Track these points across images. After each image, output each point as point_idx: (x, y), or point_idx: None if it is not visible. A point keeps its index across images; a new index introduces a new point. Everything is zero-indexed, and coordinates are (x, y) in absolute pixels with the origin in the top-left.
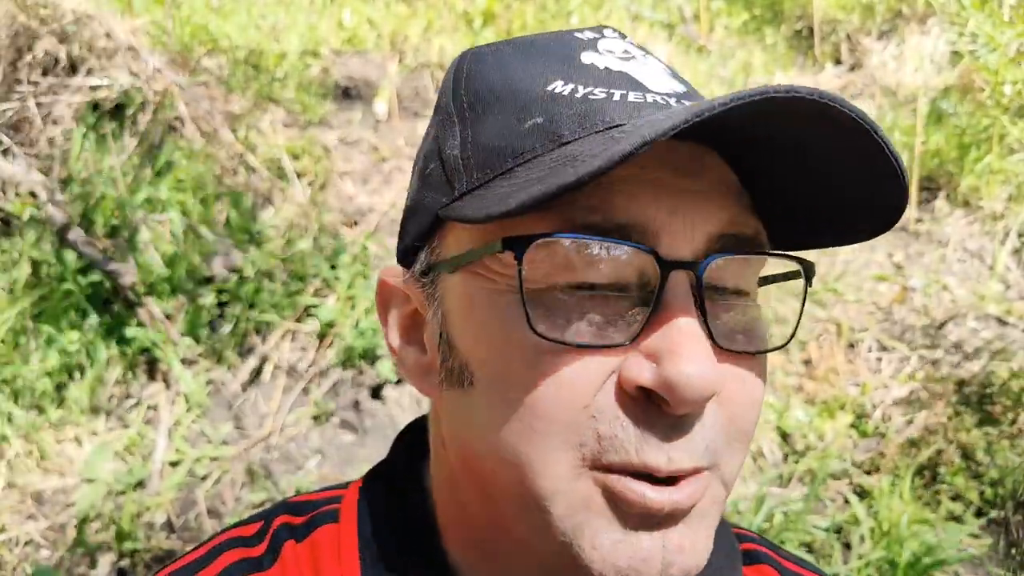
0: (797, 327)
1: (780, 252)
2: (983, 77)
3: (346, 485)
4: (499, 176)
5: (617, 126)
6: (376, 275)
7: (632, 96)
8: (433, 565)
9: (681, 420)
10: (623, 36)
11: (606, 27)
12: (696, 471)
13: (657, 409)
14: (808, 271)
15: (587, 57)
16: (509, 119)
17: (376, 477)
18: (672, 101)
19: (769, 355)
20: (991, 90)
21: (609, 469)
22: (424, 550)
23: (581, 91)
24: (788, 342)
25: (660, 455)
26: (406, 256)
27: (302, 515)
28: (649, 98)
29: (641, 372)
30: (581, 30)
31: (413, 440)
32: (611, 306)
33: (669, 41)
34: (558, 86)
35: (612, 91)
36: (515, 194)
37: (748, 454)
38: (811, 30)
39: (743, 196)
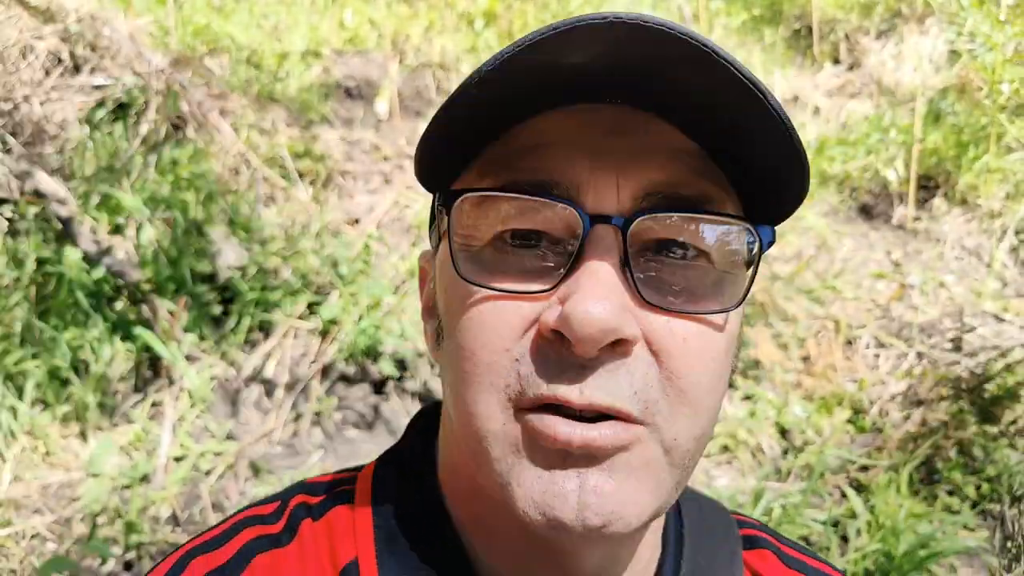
0: (746, 293)
1: (724, 214)
2: (981, 76)
3: (360, 468)
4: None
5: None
6: (379, 272)
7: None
8: (444, 541)
9: (596, 361)
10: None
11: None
12: (622, 416)
13: (567, 350)
14: (761, 236)
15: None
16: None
17: (389, 459)
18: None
19: (768, 352)
20: (989, 89)
21: (530, 408)
22: (435, 528)
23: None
24: (735, 306)
25: (572, 389)
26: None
27: (318, 495)
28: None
29: (551, 315)
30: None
31: (426, 424)
32: (539, 259)
33: None
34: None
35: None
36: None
37: (706, 430)
38: (810, 30)
39: (694, 160)
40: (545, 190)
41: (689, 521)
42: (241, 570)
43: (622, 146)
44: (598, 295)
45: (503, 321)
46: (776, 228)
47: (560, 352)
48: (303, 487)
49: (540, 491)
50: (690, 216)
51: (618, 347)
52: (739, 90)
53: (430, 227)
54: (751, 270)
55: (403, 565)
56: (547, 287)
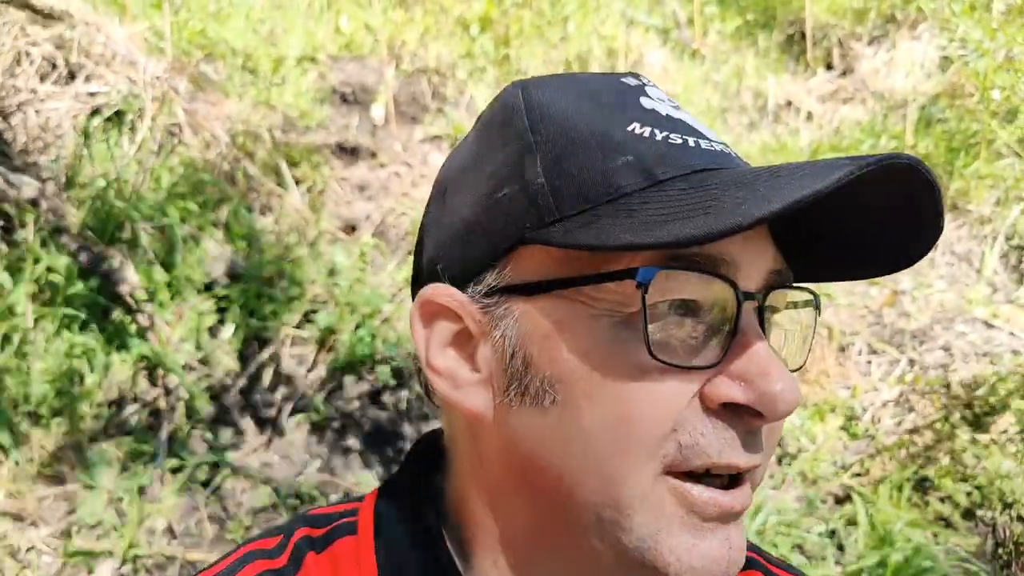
0: (809, 351)
1: (802, 286)
2: (972, 83)
3: (361, 498)
4: (599, 207)
5: (704, 170)
6: (375, 280)
7: (703, 144)
8: (453, 572)
9: (756, 429)
10: (655, 85)
11: (640, 74)
12: (755, 470)
13: (736, 421)
14: (818, 302)
15: (647, 103)
16: (595, 154)
17: (391, 490)
18: (727, 149)
19: None
20: (980, 95)
21: (688, 475)
22: (439, 563)
23: (659, 135)
24: (803, 365)
25: (740, 457)
26: (462, 278)
27: (321, 527)
28: (714, 146)
29: (732, 391)
30: (623, 75)
31: (425, 455)
32: (694, 331)
33: (663, 46)
34: (636, 128)
35: (685, 137)
36: (658, 227)
37: None
38: (803, 35)
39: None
40: (715, 266)
41: None
42: None
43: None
44: (786, 374)
45: (675, 395)
46: None
47: (729, 422)
48: (305, 520)
49: (699, 557)
50: (788, 289)
51: None
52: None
53: (465, 264)
54: (813, 328)
55: None
56: (715, 361)
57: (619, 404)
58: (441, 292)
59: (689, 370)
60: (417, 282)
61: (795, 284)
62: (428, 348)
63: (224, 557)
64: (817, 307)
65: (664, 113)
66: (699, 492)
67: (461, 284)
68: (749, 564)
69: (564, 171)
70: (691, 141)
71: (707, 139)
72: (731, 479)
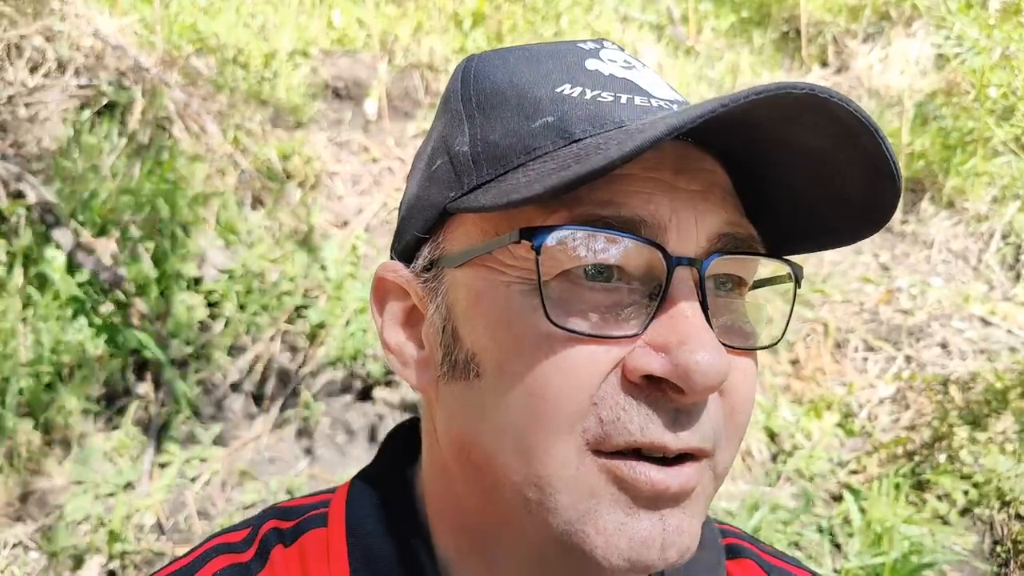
0: (787, 328)
1: (774, 255)
2: (968, 80)
3: (334, 489)
4: (511, 171)
5: (624, 126)
6: (367, 275)
7: (638, 100)
8: (423, 565)
9: (687, 407)
10: (622, 49)
11: (605, 39)
12: (700, 454)
13: (661, 397)
14: (797, 274)
15: (592, 64)
16: (519, 118)
17: (363, 480)
18: (675, 107)
19: (757, 355)
20: (976, 93)
21: (613, 453)
22: (413, 551)
23: (589, 94)
24: (778, 342)
25: (667, 435)
26: (406, 252)
27: (290, 520)
28: (654, 103)
29: (650, 362)
30: (583, 41)
31: (401, 441)
32: (616, 298)
33: (658, 43)
34: (566, 88)
35: (619, 95)
36: (539, 181)
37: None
38: (798, 32)
39: (736, 199)
40: (634, 228)
41: None
42: None
43: (692, 185)
44: (709, 345)
45: (588, 365)
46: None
47: (652, 397)
48: (275, 512)
49: (627, 538)
50: (749, 257)
51: None
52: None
53: (407, 239)
54: (791, 303)
55: None
56: (633, 331)
57: (530, 377)
58: (389, 269)
59: (603, 340)
60: None
61: (762, 253)
62: (383, 326)
63: (190, 551)
64: (796, 281)
65: (608, 73)
66: (629, 468)
67: (407, 260)
68: (741, 553)
69: (486, 138)
70: (624, 98)
71: (649, 96)
72: (672, 458)
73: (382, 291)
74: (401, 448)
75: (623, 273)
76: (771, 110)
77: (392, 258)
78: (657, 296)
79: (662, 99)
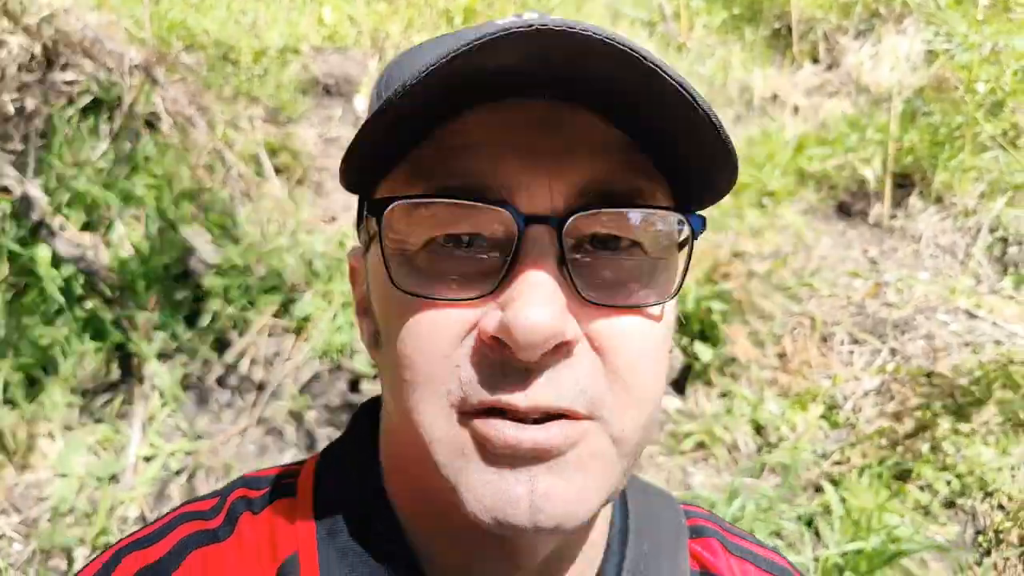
0: (681, 283)
1: (655, 206)
2: (957, 76)
3: (304, 462)
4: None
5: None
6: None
7: (501, 21)
8: (386, 534)
9: (540, 364)
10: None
11: (538, 11)
12: (571, 415)
13: (510, 356)
14: (693, 225)
15: (503, 22)
16: (394, 87)
17: (333, 452)
18: (538, 21)
19: (744, 349)
20: (965, 88)
21: (475, 413)
22: (378, 521)
23: (449, 44)
24: (671, 298)
25: (516, 395)
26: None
27: (259, 489)
28: (511, 24)
29: (490, 321)
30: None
31: (369, 416)
32: (475, 264)
33: (649, 39)
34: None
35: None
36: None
37: (652, 418)
38: (789, 29)
39: (624, 152)
40: (478, 194)
41: (635, 511)
42: (176, 566)
43: (552, 143)
44: (537, 300)
45: (441, 329)
46: (754, 226)
47: (502, 357)
48: (244, 481)
49: (491, 496)
50: (622, 211)
51: (561, 348)
52: (665, 91)
53: (358, 227)
54: (685, 259)
55: (344, 558)
56: (484, 292)
57: (399, 343)
58: (351, 252)
59: (458, 303)
60: None
61: (642, 205)
62: (356, 307)
63: (159, 518)
64: (694, 232)
65: (502, 22)
66: (487, 426)
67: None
68: (704, 532)
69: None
70: (472, 34)
71: (526, 21)
72: (540, 419)
73: (352, 275)
74: (369, 422)
75: (483, 239)
76: (558, 53)
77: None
78: (509, 257)
79: (533, 21)
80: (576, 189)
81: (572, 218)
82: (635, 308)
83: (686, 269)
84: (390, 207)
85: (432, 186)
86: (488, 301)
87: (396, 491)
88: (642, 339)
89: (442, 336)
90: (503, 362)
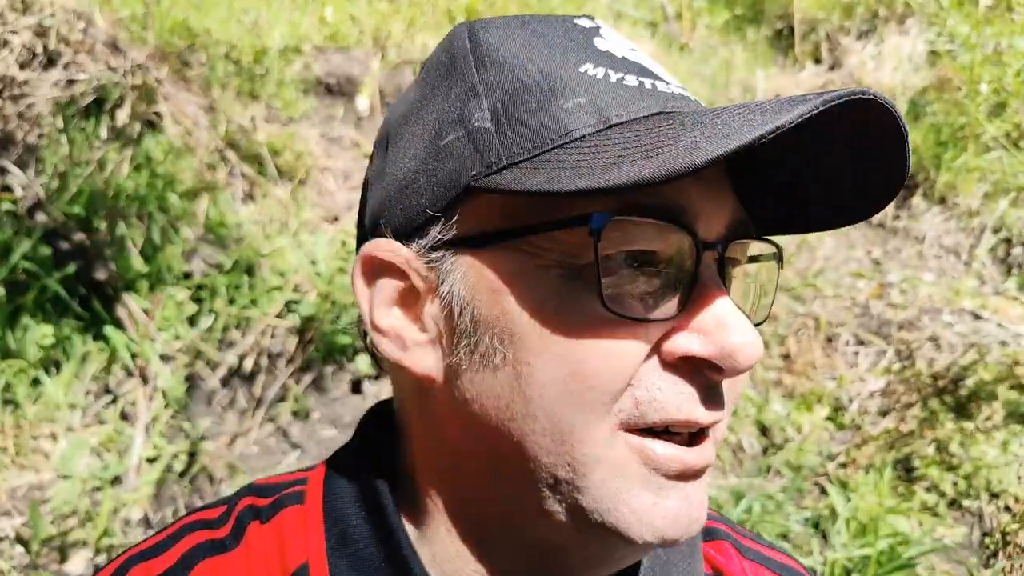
0: (772, 305)
1: (766, 237)
2: (960, 76)
3: (312, 468)
4: (548, 151)
5: (661, 113)
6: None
7: (660, 86)
8: (400, 548)
9: (716, 384)
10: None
11: (589, 16)
12: (713, 424)
13: (695, 375)
14: (781, 254)
15: (601, 44)
16: (545, 96)
17: (342, 460)
18: (686, 93)
19: None
20: (967, 89)
21: (646, 431)
22: (391, 533)
23: (614, 76)
24: (766, 319)
25: (698, 410)
26: (406, 230)
27: (267, 497)
28: (673, 90)
29: (691, 344)
30: (577, 16)
31: (378, 423)
32: (651, 283)
33: (652, 39)
34: (589, 69)
35: (641, 79)
36: (612, 169)
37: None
38: (791, 30)
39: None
40: (673, 216)
41: None
42: None
43: (713, 174)
44: (747, 326)
45: (631, 347)
46: None
47: (687, 376)
48: (252, 489)
49: (660, 516)
50: (754, 241)
51: None
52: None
53: (409, 216)
54: (776, 282)
55: (355, 568)
56: (673, 314)
57: (571, 359)
58: (383, 247)
59: (645, 323)
60: (362, 242)
61: (758, 236)
62: (372, 308)
63: (166, 527)
64: (780, 260)
65: (620, 55)
66: (662, 449)
67: (405, 238)
68: (716, 535)
69: (512, 115)
70: (648, 83)
71: (664, 81)
72: (692, 436)
73: (373, 269)
74: (379, 430)
75: (656, 258)
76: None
77: (362, 236)
78: (683, 280)
79: (673, 84)
80: (730, 218)
81: (729, 246)
82: (757, 325)
83: (775, 289)
84: (608, 221)
85: (625, 202)
86: (672, 323)
87: (427, 502)
88: None
89: (630, 355)
90: (690, 382)
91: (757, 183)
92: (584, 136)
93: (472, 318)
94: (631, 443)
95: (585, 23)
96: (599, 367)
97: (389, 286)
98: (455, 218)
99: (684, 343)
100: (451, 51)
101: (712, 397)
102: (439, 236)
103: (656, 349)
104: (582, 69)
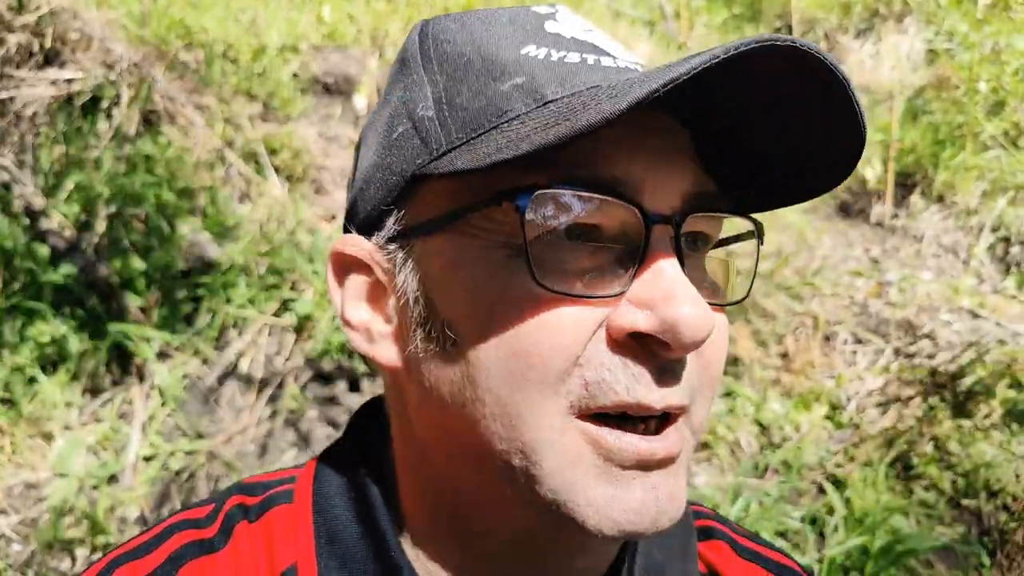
0: (752, 283)
1: (740, 212)
2: (958, 75)
3: (302, 466)
4: (484, 134)
5: (597, 86)
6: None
7: (605, 61)
8: (389, 546)
9: (670, 364)
10: (574, 13)
11: (558, 3)
12: (679, 411)
13: (647, 354)
14: (760, 230)
15: (551, 27)
16: (485, 80)
17: (331, 457)
18: (639, 68)
19: (747, 348)
20: (966, 88)
21: (598, 416)
22: (380, 531)
23: (555, 55)
24: (744, 298)
25: (653, 394)
26: (366, 225)
27: (256, 496)
28: (620, 63)
29: (636, 319)
30: (537, 5)
31: (369, 419)
32: (596, 258)
33: (650, 38)
34: (531, 50)
35: (585, 56)
36: (525, 139)
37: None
38: (790, 28)
39: (697, 158)
40: (611, 188)
41: None
42: None
43: (664, 145)
44: (694, 298)
45: (574, 325)
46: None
47: (636, 356)
48: (240, 488)
49: (620, 509)
50: (719, 215)
51: None
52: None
53: (367, 211)
54: (756, 260)
55: (345, 567)
56: (619, 290)
57: (513, 339)
58: (349, 243)
59: (588, 299)
60: None
61: (734, 211)
62: (343, 303)
63: (152, 526)
64: (759, 237)
65: (569, 36)
66: (615, 438)
67: (368, 233)
68: (713, 534)
69: (452, 101)
70: (591, 59)
71: (613, 57)
72: (658, 423)
73: (341, 266)
74: (368, 426)
75: (600, 233)
76: (746, 64)
77: (347, 232)
78: (635, 255)
79: (627, 60)
80: (687, 191)
81: (687, 219)
82: (724, 306)
83: (756, 269)
84: (535, 194)
85: (555, 176)
86: (618, 299)
87: (410, 504)
88: (725, 334)
89: (573, 333)
90: (637, 361)
91: (723, 154)
92: (519, 115)
93: (425, 305)
94: (584, 430)
95: (542, 9)
96: (539, 345)
97: (357, 281)
98: (405, 209)
99: (629, 318)
100: (404, 48)
101: (667, 378)
102: (393, 228)
103: (605, 327)
104: (524, 51)
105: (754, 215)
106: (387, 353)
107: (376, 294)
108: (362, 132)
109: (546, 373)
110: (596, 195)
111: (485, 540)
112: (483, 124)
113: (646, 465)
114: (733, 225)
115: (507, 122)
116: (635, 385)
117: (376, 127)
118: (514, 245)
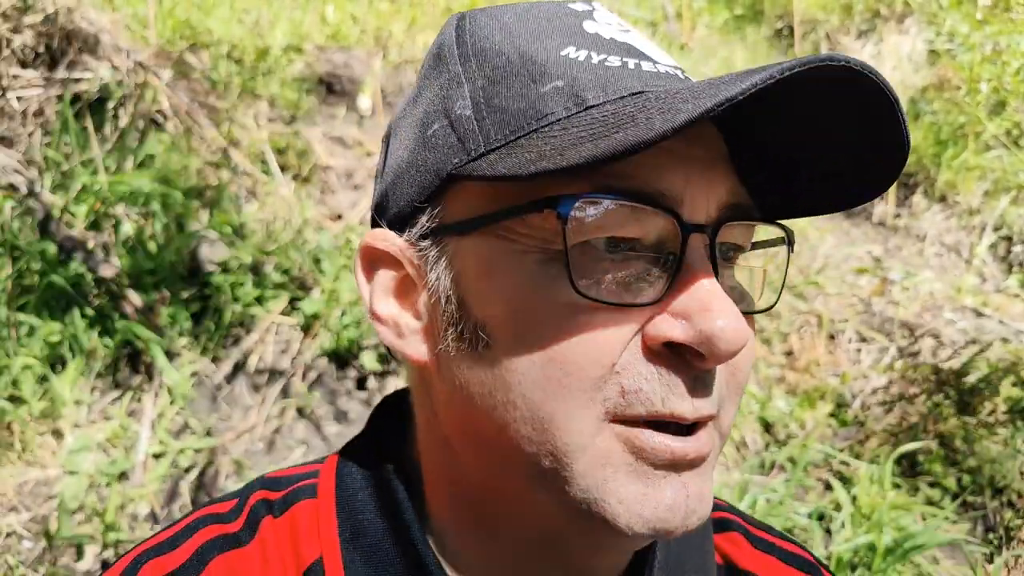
0: (782, 291)
1: (772, 220)
2: (959, 75)
3: (323, 460)
4: (523, 136)
5: (639, 93)
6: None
7: (645, 66)
8: (414, 540)
9: (704, 373)
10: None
11: (594, 1)
12: (710, 418)
13: (681, 364)
14: (791, 237)
15: (590, 26)
16: (525, 81)
17: (353, 451)
18: (679, 73)
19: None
20: (967, 88)
21: (633, 422)
22: (404, 525)
23: (596, 58)
24: (774, 305)
25: (686, 404)
26: (398, 220)
27: (279, 490)
28: (660, 69)
29: (672, 329)
30: (573, 2)
31: (390, 413)
32: (632, 268)
33: (652, 39)
34: (571, 52)
35: (625, 59)
36: (571, 149)
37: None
38: (791, 29)
39: (732, 166)
40: (652, 199)
41: None
42: (197, 573)
43: (703, 155)
44: (730, 310)
45: (614, 336)
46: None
47: (672, 365)
48: (263, 482)
49: (651, 507)
50: (751, 224)
51: None
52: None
53: (400, 207)
54: (786, 267)
55: (370, 560)
56: (653, 299)
57: (550, 345)
58: (379, 237)
59: (624, 308)
60: None
61: (764, 219)
62: (372, 296)
63: (177, 521)
64: (790, 244)
65: (608, 37)
66: (648, 437)
67: (399, 228)
68: (729, 526)
69: (491, 102)
70: (631, 63)
71: (653, 61)
72: (690, 425)
73: (370, 260)
74: (390, 420)
75: (638, 242)
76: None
77: (376, 227)
78: (670, 264)
79: (666, 64)
80: (723, 201)
81: (721, 229)
82: (755, 313)
83: (785, 276)
84: (579, 203)
85: (597, 184)
86: (655, 309)
87: (435, 499)
88: (752, 341)
89: (613, 341)
90: (672, 370)
91: (760, 163)
92: (560, 119)
93: (457, 305)
94: (618, 432)
95: (579, 7)
96: (578, 353)
97: (387, 276)
98: (440, 207)
99: (665, 328)
100: (439, 42)
101: (699, 388)
102: (427, 225)
103: (641, 336)
104: (563, 52)
105: (782, 221)
106: (416, 349)
107: (405, 289)
108: (392, 123)
109: (583, 380)
110: (638, 204)
111: (511, 536)
112: (523, 127)
113: (677, 465)
114: (763, 231)
115: (547, 126)
116: (670, 396)
117: (409, 121)
118: (549, 251)
